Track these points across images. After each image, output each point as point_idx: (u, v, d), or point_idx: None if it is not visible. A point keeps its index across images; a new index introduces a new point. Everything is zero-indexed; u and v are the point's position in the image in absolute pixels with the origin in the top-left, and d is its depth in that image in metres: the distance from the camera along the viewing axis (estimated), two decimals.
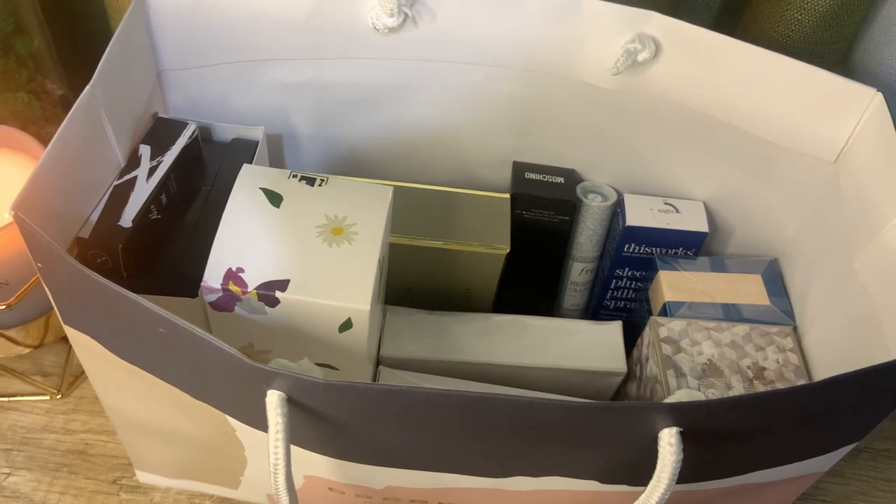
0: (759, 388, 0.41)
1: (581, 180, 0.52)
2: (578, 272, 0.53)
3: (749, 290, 0.47)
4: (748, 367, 0.42)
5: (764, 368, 0.42)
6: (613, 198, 0.51)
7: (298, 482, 0.39)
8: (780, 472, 0.38)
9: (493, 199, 0.48)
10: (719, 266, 0.48)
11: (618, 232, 0.50)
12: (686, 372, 0.41)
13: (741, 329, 0.44)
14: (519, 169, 0.51)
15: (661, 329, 0.43)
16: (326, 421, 0.31)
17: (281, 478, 0.30)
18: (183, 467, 0.45)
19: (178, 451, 0.43)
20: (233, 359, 0.28)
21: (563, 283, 0.54)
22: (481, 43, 0.46)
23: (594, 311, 0.55)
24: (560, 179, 0.51)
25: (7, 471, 0.48)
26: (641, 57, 0.44)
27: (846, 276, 0.41)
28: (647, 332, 0.44)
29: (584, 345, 0.46)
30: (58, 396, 0.51)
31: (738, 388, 0.41)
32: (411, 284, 0.48)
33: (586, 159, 0.51)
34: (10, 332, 0.49)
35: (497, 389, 0.44)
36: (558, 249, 0.52)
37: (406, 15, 0.44)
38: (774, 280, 0.48)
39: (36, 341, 0.51)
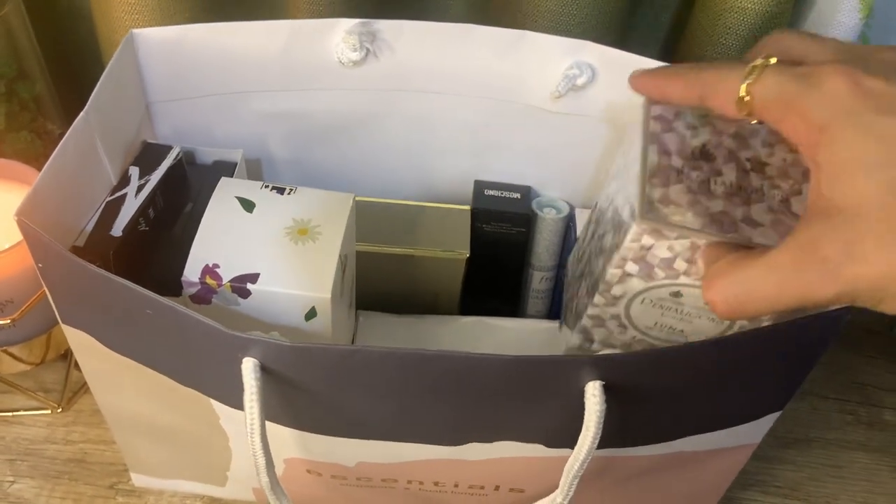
0: (755, 181, 0.36)
1: (537, 196, 0.57)
2: (539, 280, 0.58)
3: None
4: (747, 159, 0.37)
5: (766, 164, 0.37)
6: (566, 211, 0.56)
7: (279, 468, 0.43)
8: (711, 439, 0.42)
9: (454, 210, 0.53)
10: None
11: (571, 242, 0.55)
12: (672, 150, 0.37)
13: (751, 127, 0.38)
14: (479, 186, 0.56)
15: (654, 108, 0.38)
16: (297, 390, 0.35)
17: (257, 438, 0.34)
18: (174, 466, 0.49)
19: (169, 448, 0.47)
20: (211, 329, 0.32)
21: (525, 291, 0.59)
22: (437, 74, 0.51)
23: (556, 317, 0.59)
24: (517, 195, 0.56)
25: (11, 479, 0.52)
26: (580, 81, 0.49)
27: None
28: (638, 118, 0.39)
29: (540, 343, 0.51)
30: (58, 410, 0.55)
31: (728, 176, 0.36)
32: (383, 292, 0.53)
33: (540, 176, 0.56)
34: (14, 350, 0.54)
35: None
36: (517, 259, 0.57)
37: (368, 50, 0.49)
38: None
39: (38, 359, 0.56)
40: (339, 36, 0.48)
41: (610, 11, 0.57)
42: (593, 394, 0.33)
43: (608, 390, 0.34)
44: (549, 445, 0.38)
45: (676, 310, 0.39)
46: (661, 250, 0.36)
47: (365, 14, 0.49)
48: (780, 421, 0.59)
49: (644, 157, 0.36)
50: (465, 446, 0.39)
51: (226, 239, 0.39)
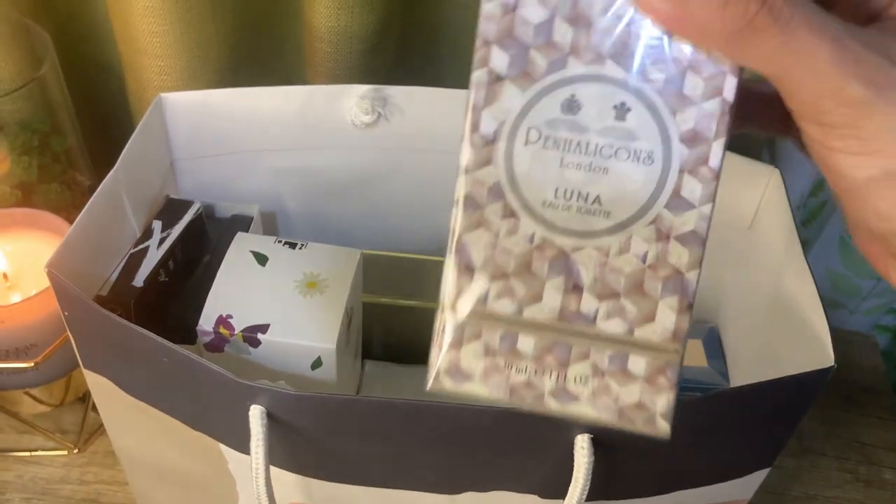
0: None
1: None
2: None
3: (690, 353, 0.53)
4: None
5: None
6: None
7: None
8: (701, 494, 0.43)
9: None
10: None
11: None
12: None
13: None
14: None
15: None
16: (302, 437, 0.37)
17: (262, 483, 0.36)
18: None
19: (179, 491, 0.49)
20: (221, 377, 0.35)
21: None
22: (444, 135, 0.54)
23: None
24: None
25: None
26: None
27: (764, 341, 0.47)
28: None
29: None
30: (75, 451, 0.57)
31: None
32: (389, 342, 0.55)
33: None
34: (35, 392, 0.56)
35: None
36: None
37: (379, 113, 0.52)
38: (713, 344, 0.54)
39: (57, 401, 0.58)
40: (352, 100, 0.51)
41: None
42: (582, 446, 0.35)
43: (597, 443, 0.36)
44: (543, 496, 0.40)
45: (579, 146, 0.27)
46: (531, 8, 0.26)
47: (382, 80, 0.52)
48: (781, 479, 0.60)
49: None
50: (461, 495, 0.40)
51: (239, 291, 0.42)
